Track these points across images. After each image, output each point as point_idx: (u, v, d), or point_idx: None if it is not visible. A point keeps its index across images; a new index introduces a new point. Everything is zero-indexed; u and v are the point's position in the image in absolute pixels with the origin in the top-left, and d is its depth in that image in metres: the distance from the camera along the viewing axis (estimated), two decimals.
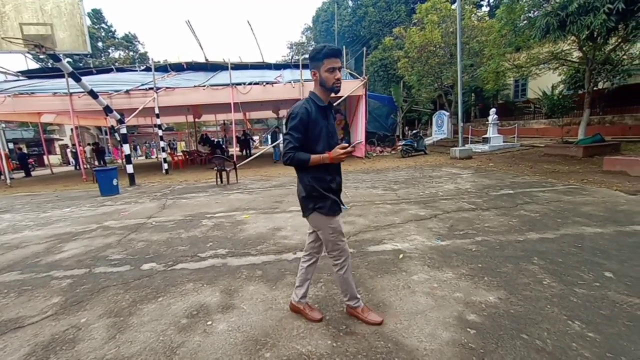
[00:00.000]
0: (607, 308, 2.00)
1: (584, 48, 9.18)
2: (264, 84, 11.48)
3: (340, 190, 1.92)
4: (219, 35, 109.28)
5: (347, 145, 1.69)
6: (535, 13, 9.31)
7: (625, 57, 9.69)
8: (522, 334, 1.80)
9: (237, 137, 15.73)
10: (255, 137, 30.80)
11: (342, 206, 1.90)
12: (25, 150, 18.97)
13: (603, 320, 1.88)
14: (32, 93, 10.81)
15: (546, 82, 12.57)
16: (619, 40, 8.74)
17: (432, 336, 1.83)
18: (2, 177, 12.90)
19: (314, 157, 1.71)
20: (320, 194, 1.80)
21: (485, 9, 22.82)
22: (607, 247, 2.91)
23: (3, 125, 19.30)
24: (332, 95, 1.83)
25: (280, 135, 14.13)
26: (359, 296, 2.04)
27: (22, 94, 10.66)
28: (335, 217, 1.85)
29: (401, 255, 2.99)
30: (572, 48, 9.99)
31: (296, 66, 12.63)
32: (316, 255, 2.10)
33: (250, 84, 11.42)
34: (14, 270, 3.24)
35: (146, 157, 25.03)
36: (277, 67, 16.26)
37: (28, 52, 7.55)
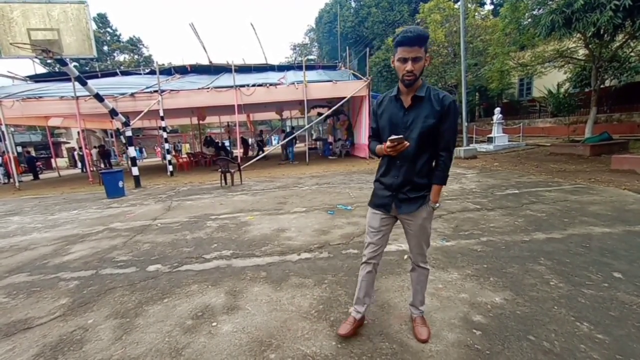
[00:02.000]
0: (616, 309, 1.97)
1: (590, 45, 9.08)
2: (268, 85, 11.53)
3: (398, 190, 1.69)
4: (223, 38, 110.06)
5: (394, 138, 1.52)
6: (540, 11, 9.22)
7: (632, 54, 9.57)
8: (529, 335, 1.78)
9: (241, 138, 15.82)
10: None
11: (387, 208, 1.75)
12: (33, 154, 19.25)
13: (612, 322, 1.85)
14: (40, 97, 10.97)
15: (552, 80, 12.44)
16: (627, 37, 8.63)
17: (438, 337, 1.81)
18: (11, 180, 13.11)
19: (378, 147, 1.70)
20: (374, 183, 1.87)
21: (488, 7, 22.69)
22: (615, 247, 2.87)
23: (12, 129, 19.63)
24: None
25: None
26: (358, 308, 1.89)
27: (30, 98, 10.82)
28: (370, 209, 1.83)
29: (406, 256, 2.97)
30: (578, 45, 9.88)
31: (299, 67, 12.67)
32: (412, 263, 1.88)
33: (253, 85, 11.48)
34: (23, 271, 3.28)
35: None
36: (281, 68, 16.33)
37: (36, 57, 7.67)
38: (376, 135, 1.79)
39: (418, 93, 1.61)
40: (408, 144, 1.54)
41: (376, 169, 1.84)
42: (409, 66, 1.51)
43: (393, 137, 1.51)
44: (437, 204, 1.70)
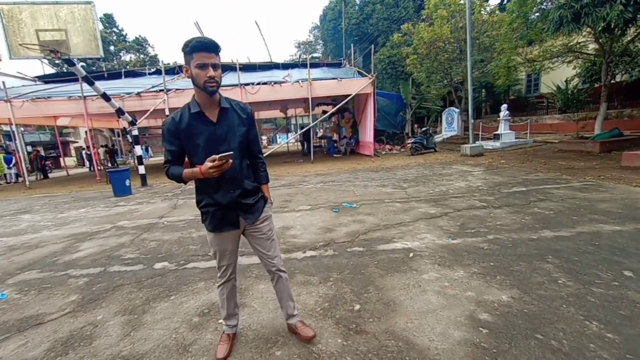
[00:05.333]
0: (626, 308, 1.93)
1: (600, 40, 8.88)
2: (272, 83, 11.53)
3: (238, 202, 1.63)
4: (227, 36, 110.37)
5: (215, 157, 1.37)
6: (548, 5, 9.05)
7: None
8: (536, 334, 1.76)
9: None
10: (264, 137, 31.04)
11: (231, 224, 1.66)
12: (42, 153, 19.57)
13: (622, 321, 1.82)
14: (49, 97, 11.14)
15: (560, 76, 12.22)
16: (638, 31, 8.42)
17: (444, 335, 1.81)
18: (22, 179, 13.36)
19: (186, 171, 1.49)
20: (201, 208, 1.67)
21: (495, 1, 22.31)
22: (626, 245, 2.81)
23: (22, 128, 19.96)
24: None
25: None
26: (231, 322, 1.88)
27: (39, 98, 10.99)
28: (215, 234, 1.66)
29: (411, 254, 2.96)
30: (588, 40, 9.67)
31: (304, 65, 12.68)
32: (273, 272, 1.83)
33: (258, 84, 11.49)
34: (34, 268, 3.35)
35: None
36: (285, 66, 16.31)
37: (44, 58, 7.78)
38: (177, 159, 1.56)
39: (223, 105, 1.56)
40: (231, 161, 1.43)
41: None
42: (211, 72, 1.44)
43: (222, 154, 1.37)
44: (271, 200, 1.85)
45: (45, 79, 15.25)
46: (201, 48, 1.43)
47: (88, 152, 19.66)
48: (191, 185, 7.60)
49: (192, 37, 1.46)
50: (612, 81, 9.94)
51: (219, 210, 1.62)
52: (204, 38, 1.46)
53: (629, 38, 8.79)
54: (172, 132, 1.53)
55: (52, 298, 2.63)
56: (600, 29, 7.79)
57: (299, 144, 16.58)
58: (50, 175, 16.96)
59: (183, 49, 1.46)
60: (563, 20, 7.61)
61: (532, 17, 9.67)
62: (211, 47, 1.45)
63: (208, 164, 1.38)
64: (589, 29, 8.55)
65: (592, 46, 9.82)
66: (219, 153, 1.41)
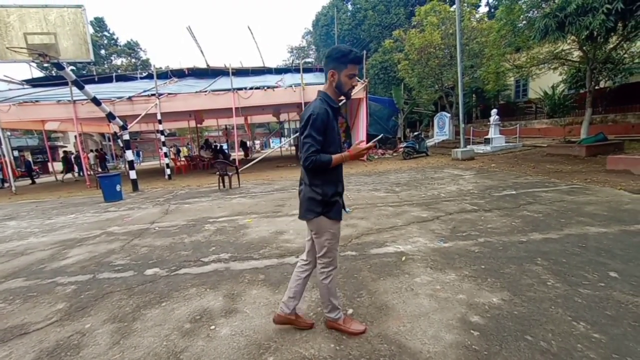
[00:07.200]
0: (612, 308, 1.98)
1: (584, 47, 9.17)
2: (265, 88, 11.56)
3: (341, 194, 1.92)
4: (220, 41, 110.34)
5: (363, 140, 1.72)
6: (534, 13, 9.31)
7: (626, 55, 9.66)
8: (526, 335, 1.79)
9: (240, 141, 15.81)
10: (257, 141, 30.99)
11: (344, 210, 1.91)
12: (29, 158, 19.15)
13: (608, 321, 1.86)
14: (37, 101, 10.94)
15: (547, 81, 12.54)
16: (620, 39, 8.72)
17: (436, 338, 1.82)
18: (7, 184, 13.02)
19: (335, 157, 1.67)
20: (330, 200, 1.75)
21: (484, 8, 22.86)
22: (611, 246, 2.89)
23: (8, 133, 19.52)
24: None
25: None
26: (340, 307, 1.94)
27: (26, 102, 10.79)
28: (339, 223, 1.82)
29: (404, 258, 2.98)
30: (572, 48, 9.97)
31: (297, 70, 12.76)
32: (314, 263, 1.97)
33: (251, 88, 11.50)
34: (20, 277, 3.26)
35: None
36: (278, 71, 16.37)
37: (32, 61, 7.66)
38: (322, 149, 1.67)
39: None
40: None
41: (328, 180, 1.76)
42: (355, 81, 1.76)
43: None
44: None
45: (33, 82, 14.97)
46: (357, 61, 1.69)
47: (72, 154, 19.19)
48: (183, 191, 7.48)
49: (347, 48, 1.66)
50: (596, 87, 10.24)
51: (340, 198, 1.83)
52: (359, 52, 1.72)
53: (611, 46, 9.08)
54: (325, 123, 1.67)
55: (38, 307, 2.56)
56: (583, 37, 8.03)
57: (293, 148, 16.61)
58: (37, 180, 16.57)
59: (338, 57, 1.66)
60: (548, 29, 7.84)
61: (520, 25, 9.93)
62: (361, 61, 1.75)
63: (360, 146, 1.72)
64: (573, 37, 8.81)
65: (576, 53, 10.12)
66: (340, 145, 1.78)
